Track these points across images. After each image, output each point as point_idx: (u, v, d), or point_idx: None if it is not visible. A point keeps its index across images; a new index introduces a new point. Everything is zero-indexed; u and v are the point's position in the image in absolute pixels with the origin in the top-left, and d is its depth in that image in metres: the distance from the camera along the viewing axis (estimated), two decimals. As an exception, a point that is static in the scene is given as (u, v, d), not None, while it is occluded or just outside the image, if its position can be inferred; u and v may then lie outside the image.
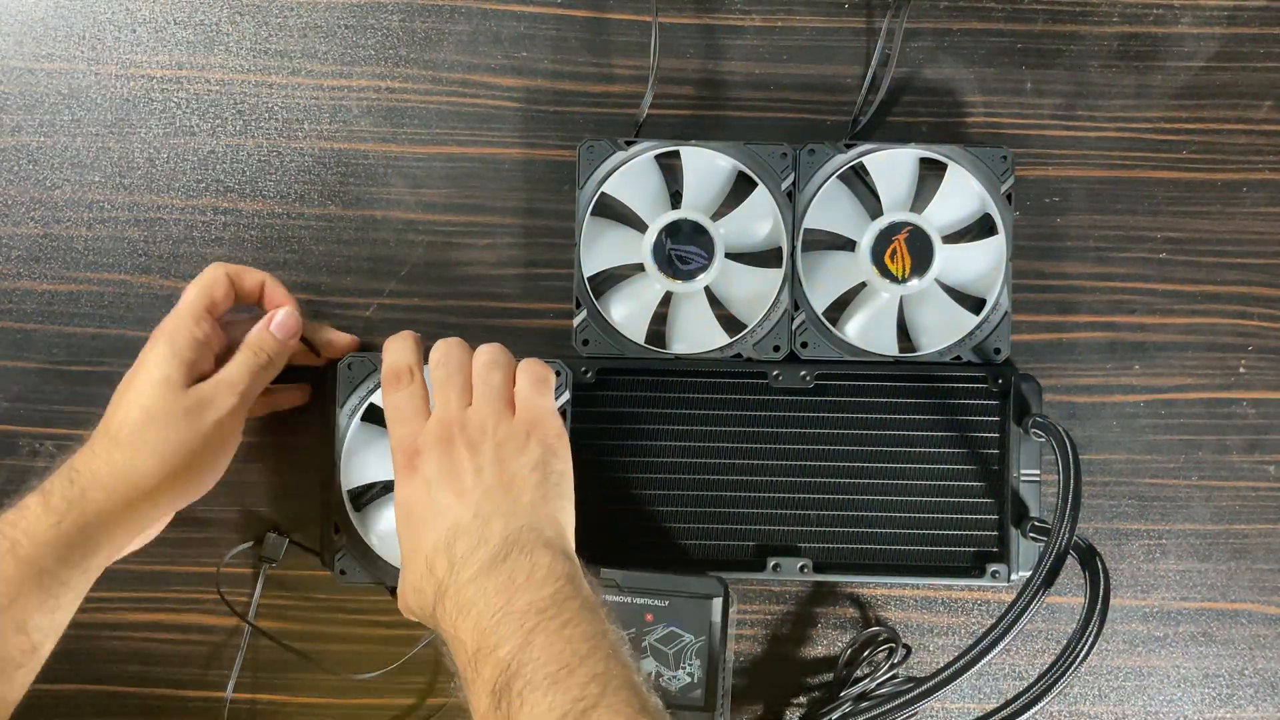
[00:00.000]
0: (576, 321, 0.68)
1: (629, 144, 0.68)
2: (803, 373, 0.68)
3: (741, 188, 0.70)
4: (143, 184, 0.71)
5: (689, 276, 0.68)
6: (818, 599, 0.71)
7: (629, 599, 0.63)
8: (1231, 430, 0.71)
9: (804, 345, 0.68)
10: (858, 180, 0.70)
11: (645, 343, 0.69)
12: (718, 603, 0.63)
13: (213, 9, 0.71)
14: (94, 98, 0.71)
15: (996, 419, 0.69)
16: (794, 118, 0.72)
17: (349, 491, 0.66)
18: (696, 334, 0.69)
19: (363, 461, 0.67)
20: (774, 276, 0.68)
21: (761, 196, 0.68)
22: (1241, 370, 0.72)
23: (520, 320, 0.71)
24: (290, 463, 0.70)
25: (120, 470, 0.58)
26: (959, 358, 0.69)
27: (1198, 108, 0.72)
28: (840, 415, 0.69)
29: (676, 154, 0.69)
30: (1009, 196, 0.68)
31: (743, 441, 0.69)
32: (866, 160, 0.69)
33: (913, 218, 0.68)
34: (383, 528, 0.67)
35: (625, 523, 0.68)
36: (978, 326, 0.68)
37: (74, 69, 0.71)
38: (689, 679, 0.62)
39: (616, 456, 0.69)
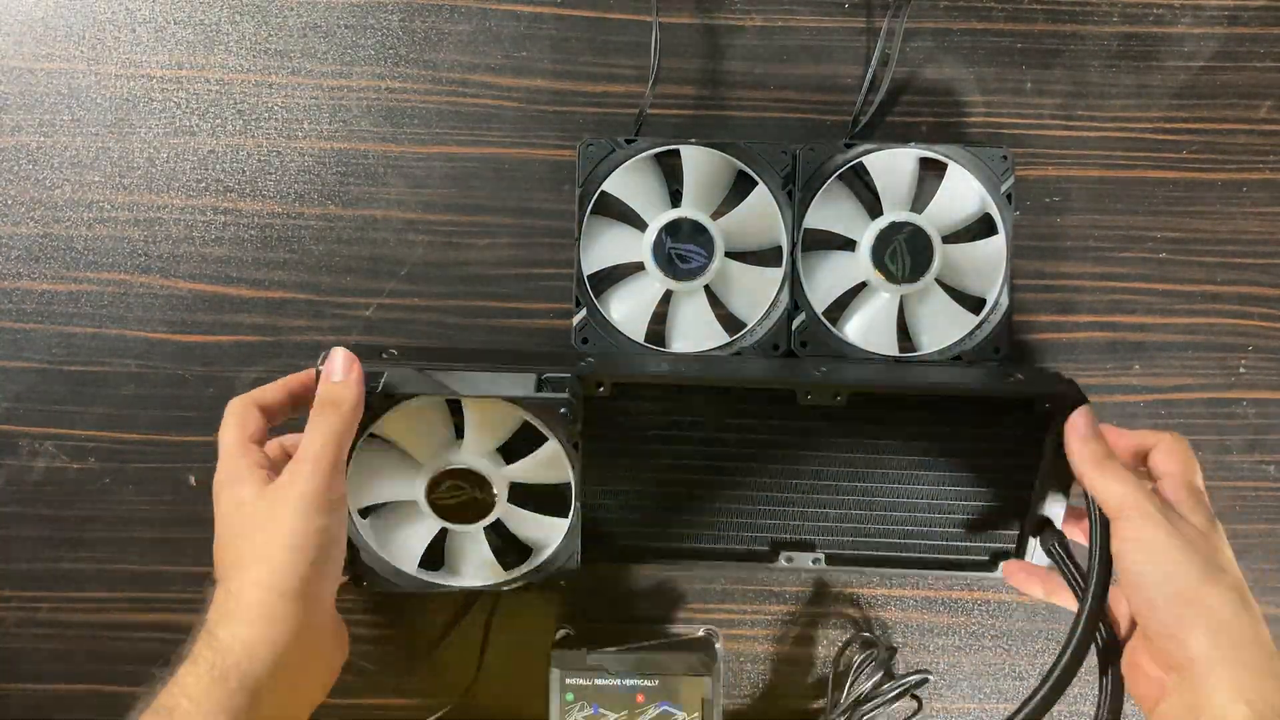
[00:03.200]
0: (576, 320, 0.68)
1: (629, 143, 0.68)
2: (838, 396, 0.63)
3: (741, 187, 0.70)
4: (143, 184, 0.71)
5: (689, 275, 0.68)
6: (818, 603, 0.71)
7: (619, 680, 0.63)
8: (1231, 430, 0.71)
9: (804, 345, 0.68)
10: (858, 180, 0.70)
11: (645, 341, 0.69)
12: (708, 681, 0.63)
13: (213, 9, 0.71)
14: (94, 97, 0.71)
15: (1034, 432, 0.64)
16: (794, 118, 0.72)
17: (359, 510, 0.65)
18: (696, 333, 0.69)
19: (373, 483, 0.65)
20: (774, 276, 0.68)
21: (761, 195, 0.68)
22: (1241, 370, 0.72)
23: (520, 320, 0.71)
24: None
25: (259, 643, 0.53)
26: (959, 357, 0.68)
27: (1198, 108, 0.72)
28: (869, 430, 0.66)
29: (676, 153, 0.69)
30: (1009, 196, 0.68)
31: (763, 448, 0.66)
32: (866, 160, 0.69)
33: (913, 217, 0.68)
34: (397, 537, 0.66)
35: (637, 526, 0.68)
36: (978, 326, 0.68)
37: (74, 69, 0.71)
38: None
39: (630, 460, 0.66)
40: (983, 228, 0.70)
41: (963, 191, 0.69)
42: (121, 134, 0.71)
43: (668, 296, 0.70)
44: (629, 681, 0.63)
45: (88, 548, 0.70)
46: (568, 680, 0.63)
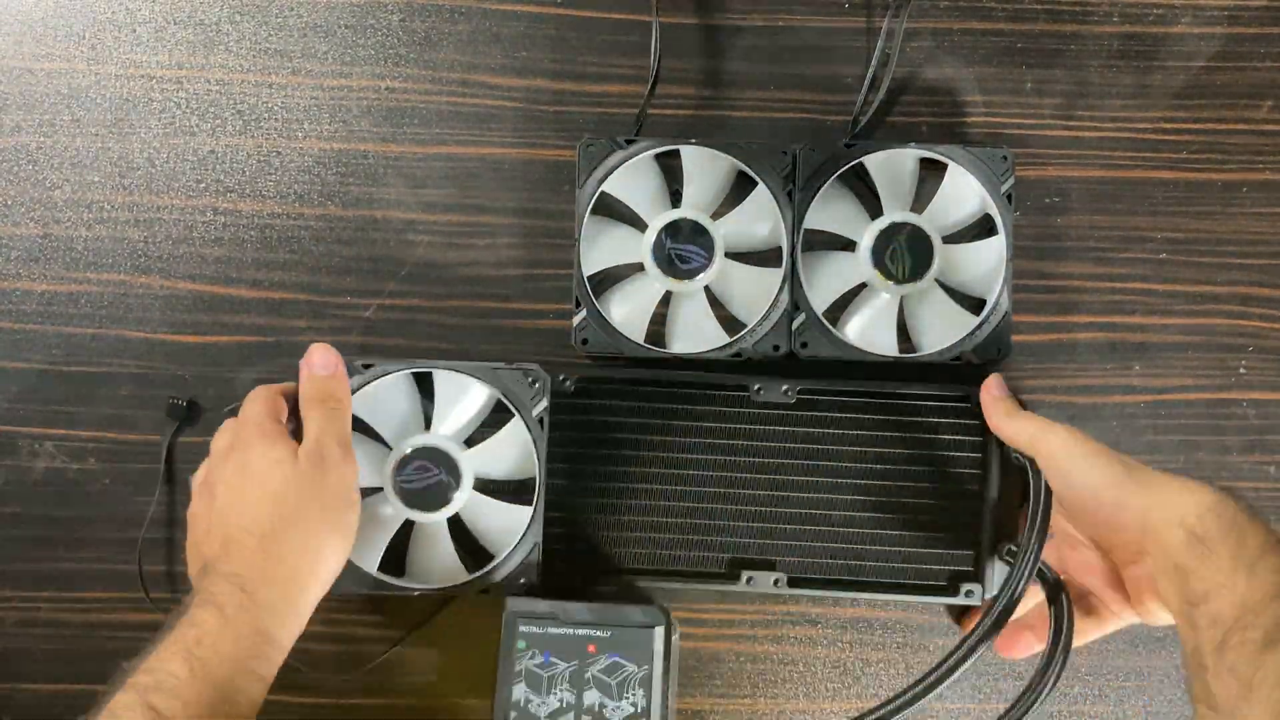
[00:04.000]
0: (576, 320, 0.68)
1: (629, 143, 0.68)
2: (784, 388, 0.68)
3: (742, 187, 0.70)
4: (142, 184, 0.71)
5: (689, 276, 0.68)
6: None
7: (571, 630, 0.63)
8: (1231, 431, 0.71)
9: (804, 345, 0.68)
10: (858, 180, 0.70)
11: (645, 342, 0.69)
12: (660, 631, 0.62)
13: (213, 9, 0.71)
14: (94, 98, 0.71)
15: (978, 439, 0.68)
16: (794, 118, 0.72)
17: None
18: (696, 333, 0.69)
19: None
20: (774, 276, 0.68)
21: (762, 196, 0.68)
22: (1241, 370, 0.72)
23: (520, 320, 0.71)
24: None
25: (277, 567, 0.57)
26: (958, 358, 0.68)
27: (1198, 108, 0.72)
28: (820, 430, 0.68)
29: (677, 153, 0.69)
30: (1009, 197, 0.68)
31: (721, 454, 0.68)
32: (866, 160, 0.69)
33: (912, 218, 0.68)
34: (360, 534, 0.66)
35: (601, 532, 0.68)
36: (978, 326, 0.68)
37: (74, 69, 0.71)
38: (633, 709, 0.61)
39: (593, 465, 0.68)
40: (983, 228, 0.70)
41: (963, 192, 0.69)
42: (121, 134, 0.71)
43: (668, 297, 0.70)
44: (580, 631, 0.63)
45: (88, 548, 0.70)
46: (521, 628, 0.63)
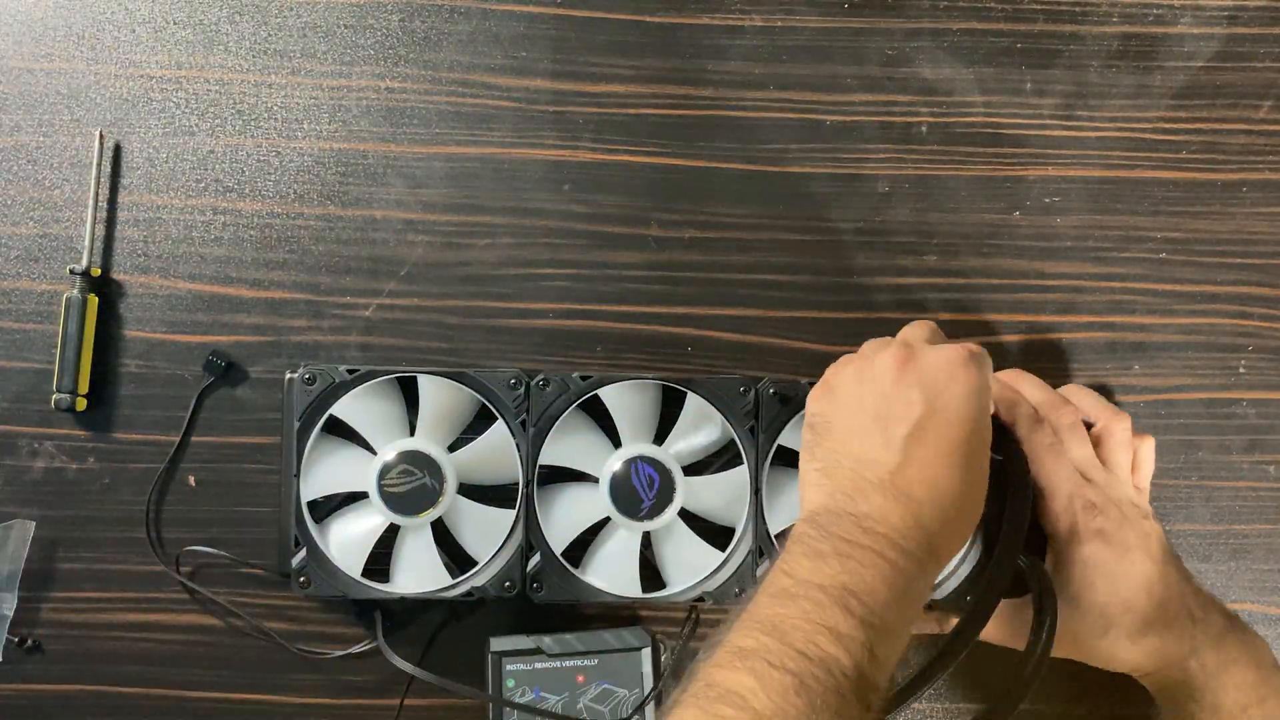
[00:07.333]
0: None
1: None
2: None
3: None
4: (142, 184, 0.71)
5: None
6: None
7: (558, 662, 0.62)
8: (1231, 430, 0.71)
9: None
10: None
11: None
12: (648, 653, 0.62)
13: (212, 9, 0.71)
14: (93, 97, 0.71)
15: None
16: (794, 118, 0.72)
17: (309, 503, 0.65)
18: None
19: (323, 473, 0.65)
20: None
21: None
22: (1241, 370, 0.72)
23: (520, 320, 0.71)
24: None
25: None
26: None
27: (1198, 108, 0.72)
28: None
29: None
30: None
31: None
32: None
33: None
34: (343, 539, 0.66)
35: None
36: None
37: (74, 69, 0.71)
38: None
39: None
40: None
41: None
42: (121, 134, 0.71)
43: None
44: (568, 663, 0.63)
45: (88, 548, 0.70)
46: (508, 666, 0.63)
